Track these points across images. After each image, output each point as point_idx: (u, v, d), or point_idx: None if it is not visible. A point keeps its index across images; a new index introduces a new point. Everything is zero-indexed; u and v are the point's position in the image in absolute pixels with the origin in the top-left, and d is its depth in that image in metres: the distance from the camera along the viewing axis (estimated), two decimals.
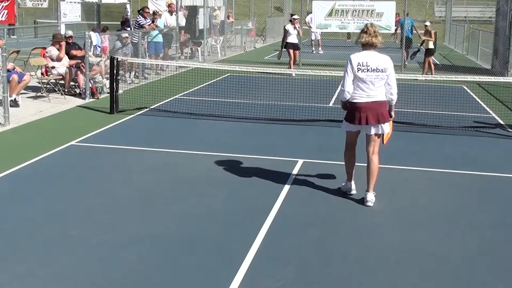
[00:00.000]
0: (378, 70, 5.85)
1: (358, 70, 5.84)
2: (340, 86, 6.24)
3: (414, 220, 5.80)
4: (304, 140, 8.84)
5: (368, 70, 5.83)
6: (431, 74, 16.27)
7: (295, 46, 16.83)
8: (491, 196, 6.61)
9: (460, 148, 8.73)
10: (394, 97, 6.10)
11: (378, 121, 5.97)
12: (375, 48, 5.96)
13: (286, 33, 16.84)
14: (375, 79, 5.87)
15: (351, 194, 6.38)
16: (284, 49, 17.01)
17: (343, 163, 7.43)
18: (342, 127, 6.33)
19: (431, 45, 16.49)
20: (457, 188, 6.87)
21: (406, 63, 19.13)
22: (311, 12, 22.69)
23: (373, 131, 6.05)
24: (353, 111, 5.99)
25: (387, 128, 6.12)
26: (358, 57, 5.89)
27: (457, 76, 12.73)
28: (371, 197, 6.10)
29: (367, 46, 5.94)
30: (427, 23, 17.61)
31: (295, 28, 16.71)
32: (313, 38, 24.69)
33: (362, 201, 6.22)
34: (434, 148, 8.63)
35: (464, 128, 9.85)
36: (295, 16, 17.39)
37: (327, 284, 4.42)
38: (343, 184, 6.52)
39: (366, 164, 6.19)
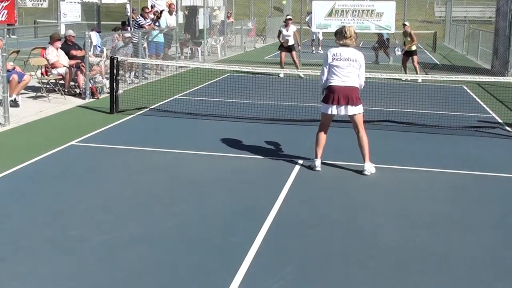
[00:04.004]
0: (349, 60, 7.04)
1: (333, 60, 7.06)
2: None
3: (414, 220, 5.80)
4: (304, 140, 8.83)
5: (341, 59, 7.05)
6: (416, 73, 16.22)
7: (287, 48, 16.39)
8: (491, 196, 6.61)
9: (460, 148, 8.73)
10: (362, 85, 7.30)
11: (347, 103, 6.99)
12: (350, 46, 7.14)
13: (279, 33, 16.51)
14: (347, 66, 7.02)
15: (316, 171, 7.21)
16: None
17: (343, 162, 7.45)
18: (321, 109, 7.29)
19: (413, 47, 16.32)
20: (457, 188, 6.87)
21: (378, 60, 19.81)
22: (311, 12, 22.67)
23: (348, 111, 7.04)
24: (328, 93, 7.10)
25: (360, 109, 7.11)
26: (334, 50, 7.14)
27: (457, 76, 12.73)
28: (367, 166, 7.14)
29: (344, 45, 7.16)
30: (406, 23, 17.31)
31: (288, 30, 16.25)
32: (314, 38, 24.68)
33: (362, 201, 6.25)
34: (434, 148, 8.63)
35: (464, 128, 9.85)
36: (289, 17, 17.19)
37: (327, 284, 4.42)
38: (311, 161, 7.38)
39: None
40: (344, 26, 7.20)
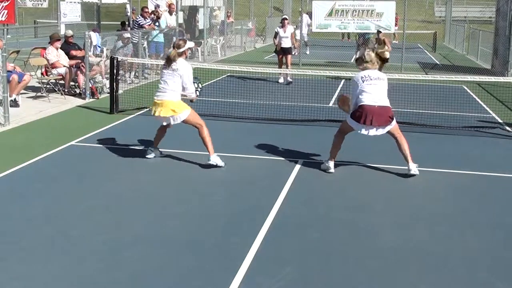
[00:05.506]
0: (379, 79, 7.04)
1: (363, 81, 6.96)
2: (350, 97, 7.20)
3: (414, 220, 5.80)
4: (304, 140, 8.84)
5: (371, 79, 6.98)
6: None
7: (284, 51, 15.15)
8: (491, 196, 6.61)
9: (460, 148, 8.73)
10: None
11: (380, 124, 6.88)
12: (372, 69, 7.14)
13: (276, 35, 15.31)
14: (377, 85, 6.96)
15: (330, 173, 7.18)
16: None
17: (343, 162, 7.45)
18: (347, 120, 7.10)
19: (387, 55, 15.78)
20: (457, 188, 6.87)
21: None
22: (306, 13, 22.57)
23: (383, 131, 6.98)
24: (360, 111, 6.89)
25: (393, 123, 7.04)
26: (362, 73, 7.09)
27: (457, 76, 12.74)
28: (412, 166, 7.11)
29: (365, 69, 7.14)
30: (381, 29, 16.70)
31: (285, 31, 15.06)
32: (306, 39, 24.39)
33: (362, 201, 6.26)
34: (434, 148, 8.63)
35: (464, 128, 9.85)
36: (285, 16, 16.01)
37: (327, 284, 4.42)
38: (325, 162, 7.34)
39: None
40: (364, 52, 7.24)
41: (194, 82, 7.52)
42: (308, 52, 23.52)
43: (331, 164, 7.22)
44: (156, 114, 7.20)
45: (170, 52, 7.40)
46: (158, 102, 7.19)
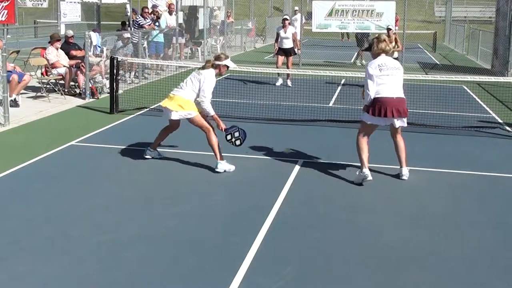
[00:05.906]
0: (395, 68, 6.74)
1: (380, 70, 6.63)
2: (365, 89, 6.78)
3: (414, 220, 5.80)
4: (304, 140, 8.84)
5: (388, 68, 6.68)
6: None
7: (285, 52, 14.56)
8: (491, 196, 6.61)
9: (460, 148, 8.73)
10: None
11: (399, 115, 6.66)
12: (388, 54, 6.87)
13: (277, 37, 14.68)
14: (395, 75, 6.68)
15: (368, 181, 6.68)
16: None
17: (343, 162, 7.44)
18: (364, 118, 6.83)
19: (395, 54, 14.73)
20: (457, 188, 6.87)
21: (357, 62, 19.94)
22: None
23: (397, 124, 6.77)
24: (377, 105, 6.61)
25: (406, 120, 6.84)
26: (377, 61, 6.72)
27: (457, 76, 12.74)
28: (405, 171, 6.97)
29: (381, 51, 6.79)
30: (391, 26, 16.24)
31: (286, 31, 14.46)
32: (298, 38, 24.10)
33: (362, 201, 6.25)
34: (434, 148, 8.63)
35: (464, 128, 9.85)
36: (286, 17, 15.39)
37: (327, 284, 4.42)
38: (357, 174, 6.80)
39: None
40: (379, 35, 6.96)
41: (233, 132, 7.51)
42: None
43: (367, 172, 6.65)
44: (163, 104, 7.28)
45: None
46: (171, 95, 7.29)
